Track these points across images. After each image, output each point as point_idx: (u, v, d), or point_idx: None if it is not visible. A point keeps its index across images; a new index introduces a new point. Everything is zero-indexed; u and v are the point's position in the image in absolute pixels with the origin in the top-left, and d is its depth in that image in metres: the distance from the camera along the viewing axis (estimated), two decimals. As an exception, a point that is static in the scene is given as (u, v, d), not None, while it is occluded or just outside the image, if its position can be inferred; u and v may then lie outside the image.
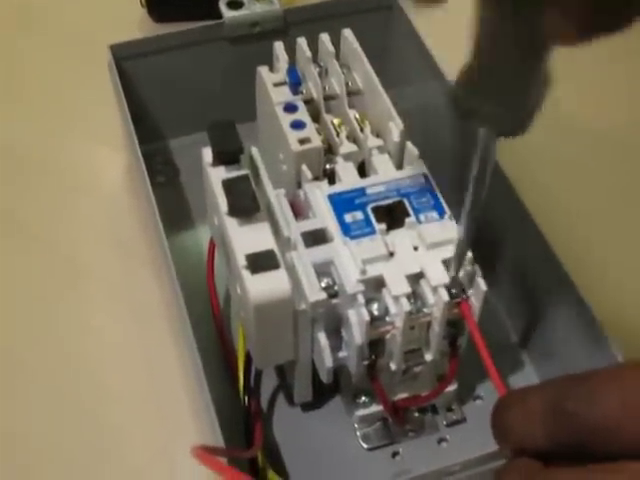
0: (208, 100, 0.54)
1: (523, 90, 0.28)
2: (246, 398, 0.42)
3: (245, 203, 0.39)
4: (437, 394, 0.43)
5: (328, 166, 0.44)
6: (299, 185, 0.44)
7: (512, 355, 0.48)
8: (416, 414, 0.45)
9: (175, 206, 0.54)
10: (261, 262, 0.38)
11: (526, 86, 0.28)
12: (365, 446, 0.44)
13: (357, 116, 0.46)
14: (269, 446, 0.44)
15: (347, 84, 0.47)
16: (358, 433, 0.45)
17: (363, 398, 0.44)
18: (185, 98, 0.55)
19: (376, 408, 0.44)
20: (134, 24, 0.65)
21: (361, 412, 0.44)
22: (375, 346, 0.40)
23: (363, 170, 0.44)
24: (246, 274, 0.38)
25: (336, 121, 0.46)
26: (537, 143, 0.58)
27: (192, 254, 0.51)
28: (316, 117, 0.46)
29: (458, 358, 0.42)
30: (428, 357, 0.41)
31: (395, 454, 0.44)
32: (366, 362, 0.40)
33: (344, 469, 0.44)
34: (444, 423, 0.45)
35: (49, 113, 0.60)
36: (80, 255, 0.52)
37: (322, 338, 0.39)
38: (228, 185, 0.40)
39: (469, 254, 0.39)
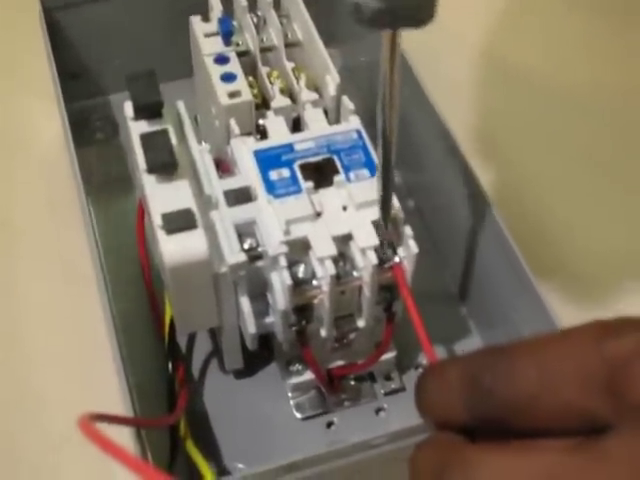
0: (149, 52, 0.52)
1: None
2: (170, 364, 0.40)
3: (162, 158, 0.37)
4: (373, 362, 0.41)
5: (261, 121, 0.42)
6: (230, 141, 0.41)
7: (452, 309, 0.47)
8: (353, 382, 0.43)
9: (114, 164, 0.52)
10: (177, 222, 0.35)
11: None
12: (299, 416, 0.43)
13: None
14: (198, 415, 0.42)
15: (286, 35, 0.44)
16: (292, 402, 0.43)
17: (296, 365, 0.42)
18: (124, 50, 0.52)
19: (310, 376, 0.42)
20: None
21: (294, 380, 0.42)
22: (303, 311, 0.38)
23: (299, 126, 0.42)
24: (161, 234, 0.35)
25: (274, 73, 0.44)
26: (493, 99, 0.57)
27: (130, 213, 0.49)
28: (253, 70, 0.44)
29: (394, 324, 0.40)
30: (361, 323, 0.39)
31: (330, 424, 0.43)
32: (294, 328, 0.38)
33: (276, 440, 0.42)
34: (382, 392, 0.43)
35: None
36: (12, 215, 0.50)
37: (245, 303, 0.37)
38: (146, 140, 0.37)
39: (400, 215, 0.37)
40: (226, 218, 0.37)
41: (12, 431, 0.43)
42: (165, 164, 0.37)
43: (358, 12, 0.26)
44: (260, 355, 0.43)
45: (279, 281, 0.36)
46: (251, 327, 0.38)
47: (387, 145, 0.32)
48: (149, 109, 0.38)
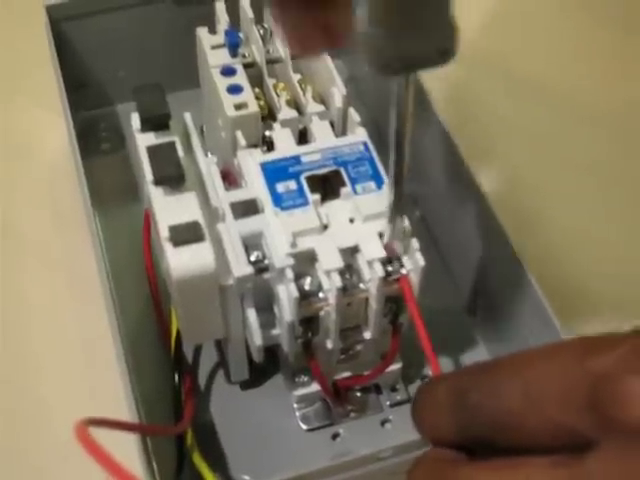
0: (155, 63, 0.52)
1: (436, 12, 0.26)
2: (176, 375, 0.40)
3: (169, 171, 0.37)
4: (378, 373, 0.41)
5: (268, 133, 0.42)
6: (237, 153, 0.42)
7: (459, 321, 0.47)
8: (358, 394, 0.43)
9: (120, 175, 0.52)
10: (185, 234, 0.35)
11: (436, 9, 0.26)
12: (304, 427, 0.42)
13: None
14: (204, 426, 0.42)
15: (292, 47, 0.44)
16: (297, 413, 0.43)
17: (302, 377, 0.42)
18: (131, 61, 0.53)
19: (316, 387, 0.42)
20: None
21: (300, 392, 0.42)
22: (310, 323, 0.38)
23: (306, 138, 0.42)
24: (168, 246, 0.35)
25: (280, 85, 0.44)
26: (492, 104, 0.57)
27: (136, 224, 0.49)
28: (259, 82, 0.44)
29: (400, 336, 0.40)
30: (367, 335, 0.39)
31: (336, 436, 0.43)
32: (300, 340, 0.38)
33: (282, 451, 0.42)
34: (388, 404, 0.43)
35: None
36: (18, 226, 0.50)
37: (251, 315, 0.37)
38: (153, 152, 0.37)
39: (407, 226, 0.37)
40: (233, 230, 0.37)
41: (17, 440, 0.43)
42: (172, 177, 0.37)
43: (370, 59, 0.26)
44: (266, 366, 0.43)
45: (286, 293, 0.36)
46: (257, 339, 0.38)
47: (400, 158, 0.32)
48: (156, 121, 0.38)
